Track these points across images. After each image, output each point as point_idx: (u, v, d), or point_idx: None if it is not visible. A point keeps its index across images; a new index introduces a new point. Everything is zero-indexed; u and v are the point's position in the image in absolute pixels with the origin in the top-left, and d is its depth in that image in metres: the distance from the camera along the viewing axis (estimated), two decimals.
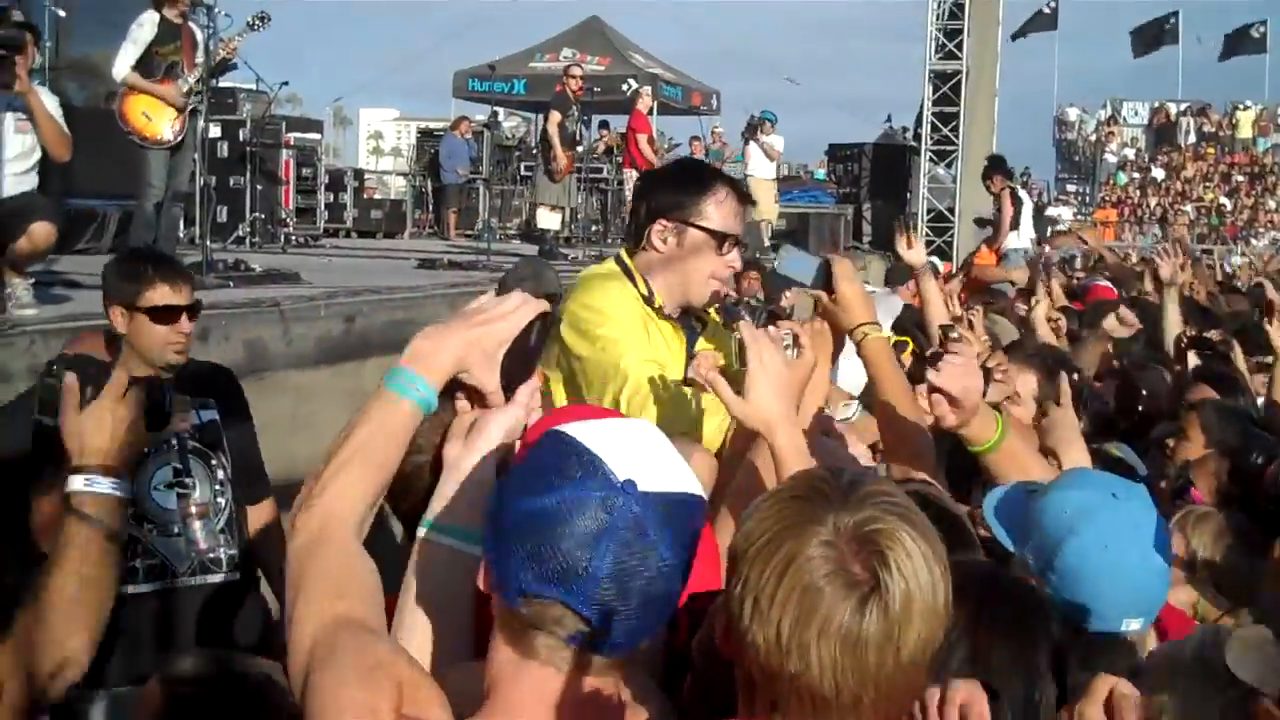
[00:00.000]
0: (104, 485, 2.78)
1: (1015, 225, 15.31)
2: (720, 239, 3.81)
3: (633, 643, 1.81)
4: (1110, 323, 8.62)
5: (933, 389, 3.07)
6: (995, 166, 16.11)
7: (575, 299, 3.83)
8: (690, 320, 3.90)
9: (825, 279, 3.40)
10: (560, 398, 3.75)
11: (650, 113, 19.74)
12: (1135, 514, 2.73)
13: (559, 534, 1.78)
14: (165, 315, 4.41)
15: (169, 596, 4.28)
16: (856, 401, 4.78)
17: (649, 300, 3.79)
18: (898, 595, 1.70)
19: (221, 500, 4.48)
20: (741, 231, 3.99)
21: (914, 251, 7.02)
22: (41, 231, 7.38)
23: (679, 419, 3.40)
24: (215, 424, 4.53)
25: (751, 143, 22.75)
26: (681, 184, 3.86)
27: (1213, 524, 3.72)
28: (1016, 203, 15.43)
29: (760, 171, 22.60)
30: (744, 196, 4.00)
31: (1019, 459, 3.20)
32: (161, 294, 4.41)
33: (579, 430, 1.86)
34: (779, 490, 1.87)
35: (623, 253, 3.94)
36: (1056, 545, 2.68)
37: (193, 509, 4.40)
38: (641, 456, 1.84)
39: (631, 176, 19.15)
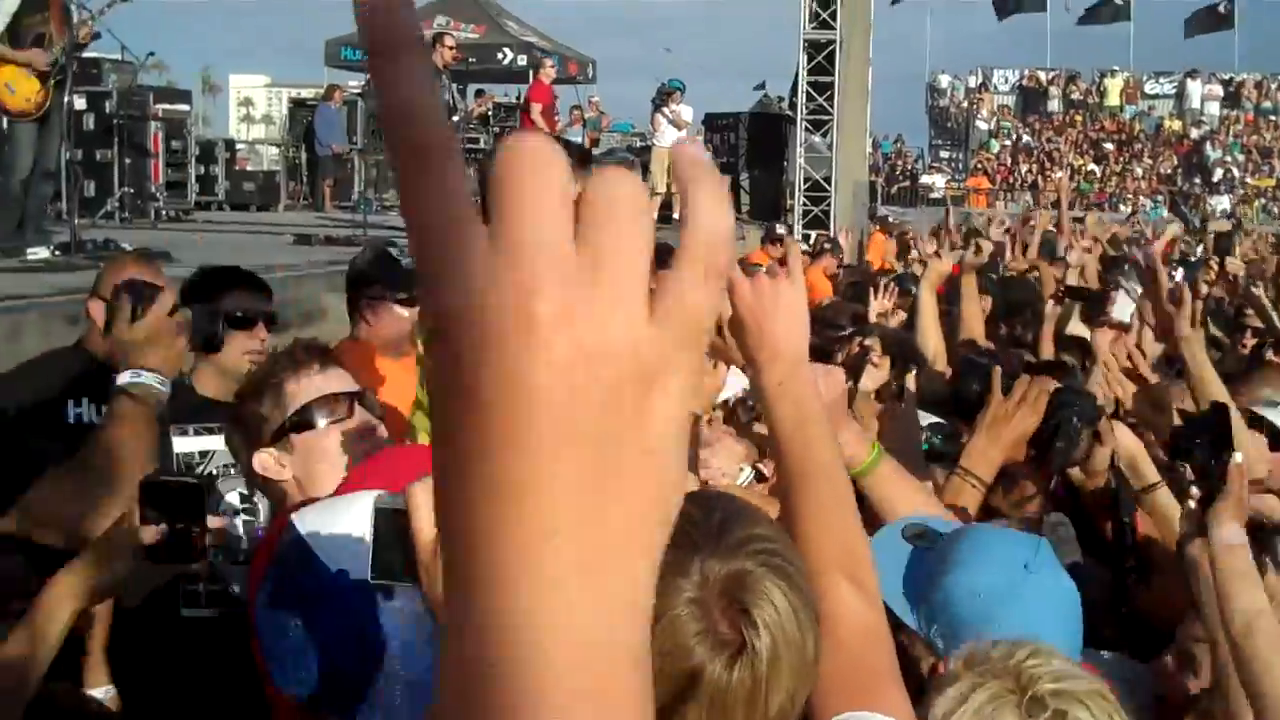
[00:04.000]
0: (148, 377, 3.13)
1: None
2: None
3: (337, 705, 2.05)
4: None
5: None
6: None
7: None
8: None
9: None
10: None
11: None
12: (1047, 585, 2.60)
13: None
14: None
15: (230, 623, 4.15)
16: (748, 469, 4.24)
17: None
18: (764, 653, 1.67)
19: None
20: None
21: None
22: None
23: None
24: None
25: (660, 111, 22.60)
26: None
27: None
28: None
29: (669, 141, 22.37)
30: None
31: (894, 487, 3.07)
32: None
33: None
34: None
35: None
36: (979, 633, 2.38)
37: (259, 535, 4.27)
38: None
39: None
